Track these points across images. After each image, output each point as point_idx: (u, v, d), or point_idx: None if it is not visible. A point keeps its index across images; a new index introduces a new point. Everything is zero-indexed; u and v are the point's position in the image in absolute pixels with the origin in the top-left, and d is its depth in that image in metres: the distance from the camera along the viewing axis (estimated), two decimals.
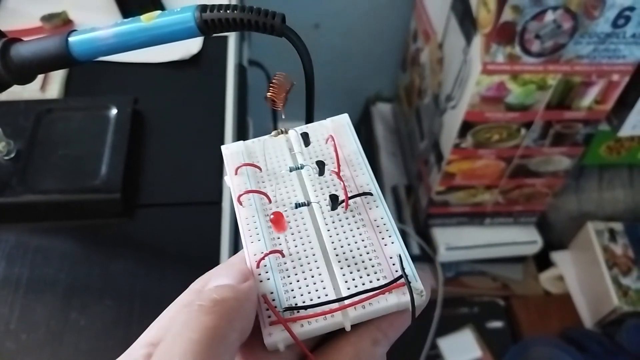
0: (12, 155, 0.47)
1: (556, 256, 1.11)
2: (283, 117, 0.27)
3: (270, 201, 0.25)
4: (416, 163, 1.08)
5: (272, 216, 0.23)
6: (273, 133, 0.27)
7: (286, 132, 0.27)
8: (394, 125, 1.22)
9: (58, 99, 0.54)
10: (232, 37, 0.62)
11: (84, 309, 0.42)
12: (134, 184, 0.48)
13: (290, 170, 0.25)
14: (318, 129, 0.27)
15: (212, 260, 0.45)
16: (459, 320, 1.03)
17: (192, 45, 0.59)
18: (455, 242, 1.04)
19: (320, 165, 0.25)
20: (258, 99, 0.93)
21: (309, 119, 0.28)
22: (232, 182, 0.25)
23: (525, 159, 0.90)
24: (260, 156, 0.26)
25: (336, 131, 0.27)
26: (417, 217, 1.09)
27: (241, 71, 0.65)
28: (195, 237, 0.47)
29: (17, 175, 0.46)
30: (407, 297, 0.21)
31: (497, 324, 1.04)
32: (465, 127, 0.83)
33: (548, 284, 1.10)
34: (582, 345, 0.98)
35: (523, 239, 1.06)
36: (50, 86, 0.55)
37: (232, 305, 0.19)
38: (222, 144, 0.52)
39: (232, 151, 0.27)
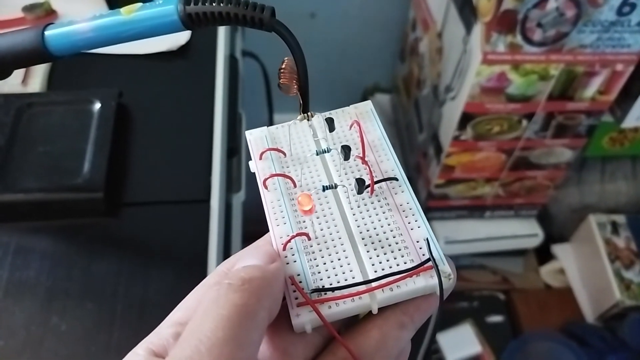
0: None
1: (557, 249, 1.10)
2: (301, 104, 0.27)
3: (295, 185, 0.25)
4: (415, 155, 1.06)
5: (300, 198, 0.23)
6: (299, 117, 0.27)
7: (312, 117, 0.27)
8: (392, 117, 1.20)
9: (39, 92, 0.52)
10: (222, 28, 0.60)
11: (64, 313, 0.40)
12: (118, 181, 0.46)
13: (317, 154, 0.26)
14: (341, 115, 0.27)
15: (200, 262, 0.43)
16: (459, 315, 1.02)
17: (180, 36, 0.56)
18: (455, 235, 1.02)
19: (346, 149, 0.24)
20: (252, 91, 0.91)
21: (305, 113, 0.27)
22: (257, 167, 0.26)
23: (527, 151, 0.88)
24: (284, 141, 0.27)
25: (360, 117, 0.27)
26: None
27: (232, 63, 0.62)
28: (182, 237, 0.45)
29: None
30: (435, 280, 0.21)
31: (497, 318, 1.03)
32: (465, 119, 0.80)
33: (549, 277, 1.09)
34: (584, 340, 0.96)
35: (524, 232, 1.04)
36: (32, 80, 0.52)
37: (260, 285, 0.19)
38: (211, 139, 0.51)
39: (255, 136, 0.27)
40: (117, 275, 0.42)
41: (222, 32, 0.59)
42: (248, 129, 0.28)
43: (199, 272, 0.43)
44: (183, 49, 0.57)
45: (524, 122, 0.82)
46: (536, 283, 1.07)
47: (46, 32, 0.33)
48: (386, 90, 1.21)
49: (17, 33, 0.34)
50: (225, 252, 0.51)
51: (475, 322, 1.02)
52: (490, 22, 0.69)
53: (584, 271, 1.06)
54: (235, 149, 0.57)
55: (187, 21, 0.28)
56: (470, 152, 0.87)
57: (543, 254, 1.11)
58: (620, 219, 1.04)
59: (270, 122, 1.02)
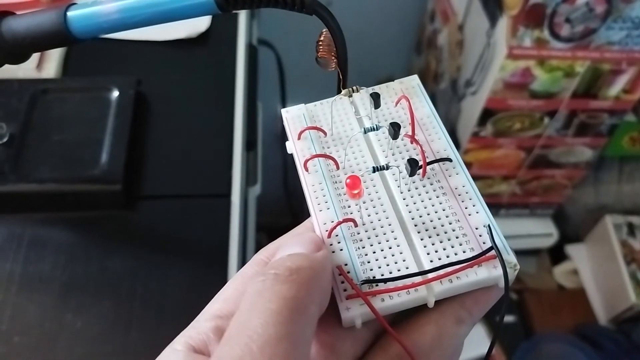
0: (5, 139, 0.43)
1: (571, 249, 1.08)
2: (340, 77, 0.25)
3: (338, 167, 0.23)
4: None
5: (348, 180, 0.21)
6: (343, 92, 0.25)
7: (358, 91, 0.25)
8: None
9: (55, 78, 0.50)
10: (242, 14, 0.58)
11: (80, 310, 0.39)
12: (136, 173, 0.45)
13: (365, 132, 0.24)
14: (385, 90, 0.25)
15: (220, 259, 0.42)
16: None
17: (200, 23, 0.54)
18: None
19: (396, 127, 0.22)
20: (267, 81, 0.89)
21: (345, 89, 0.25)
22: (296, 147, 0.24)
23: (547, 149, 0.86)
24: (323, 120, 0.25)
25: (406, 93, 0.25)
26: None
27: (252, 51, 0.60)
28: (202, 232, 0.43)
29: (10, 162, 0.42)
30: (499, 271, 0.19)
31: (508, 318, 1.01)
32: (486, 115, 0.78)
33: (562, 278, 1.07)
34: (597, 342, 0.95)
35: (538, 231, 1.02)
36: (47, 64, 0.51)
37: (309, 275, 0.17)
38: (232, 130, 0.49)
39: (293, 114, 0.25)
40: (134, 271, 0.41)
41: (242, 19, 0.57)
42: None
43: (219, 270, 0.42)
44: (202, 37, 0.55)
45: (546, 120, 0.80)
46: (549, 283, 1.06)
47: (69, 13, 0.31)
48: None
49: (36, 14, 0.32)
50: (243, 249, 0.49)
51: (486, 321, 1.00)
52: (518, 15, 0.67)
53: (598, 273, 1.04)
54: (253, 141, 0.55)
55: (222, 3, 0.27)
56: (489, 149, 0.85)
57: (557, 254, 1.09)
58: (637, 220, 1.02)
59: None
